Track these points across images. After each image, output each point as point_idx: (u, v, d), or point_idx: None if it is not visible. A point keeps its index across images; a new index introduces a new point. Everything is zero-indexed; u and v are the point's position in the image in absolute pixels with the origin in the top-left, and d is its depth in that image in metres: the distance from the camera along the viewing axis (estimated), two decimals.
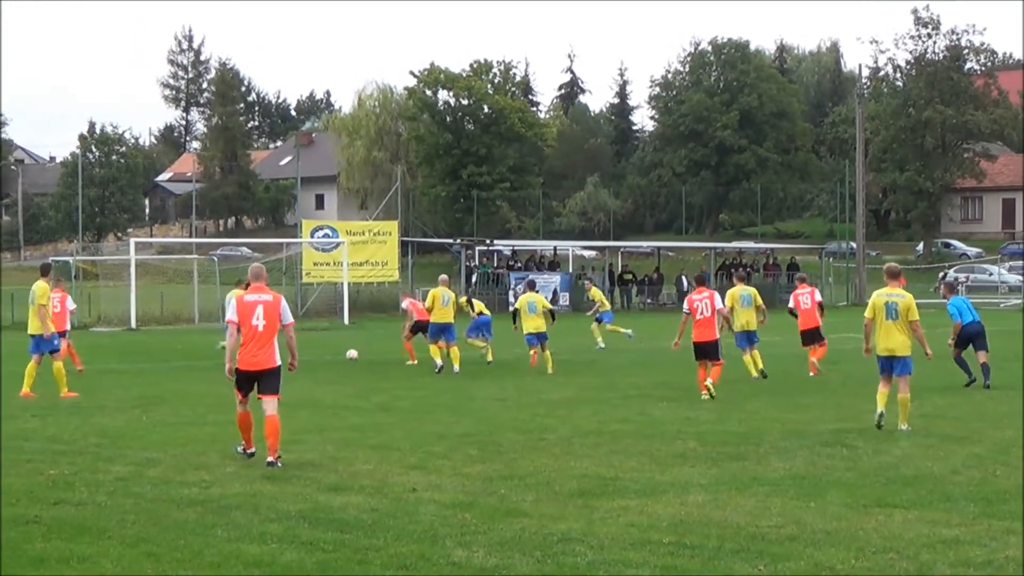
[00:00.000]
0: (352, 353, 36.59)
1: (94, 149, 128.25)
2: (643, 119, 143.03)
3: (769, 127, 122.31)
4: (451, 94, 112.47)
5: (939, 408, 23.19)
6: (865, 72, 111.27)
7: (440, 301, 32.78)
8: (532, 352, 33.35)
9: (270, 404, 17.06)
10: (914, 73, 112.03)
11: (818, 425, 20.79)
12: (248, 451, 17.52)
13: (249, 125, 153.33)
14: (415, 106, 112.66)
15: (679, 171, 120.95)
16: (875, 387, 20.27)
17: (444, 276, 35.62)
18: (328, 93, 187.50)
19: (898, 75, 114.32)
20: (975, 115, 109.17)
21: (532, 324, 33.10)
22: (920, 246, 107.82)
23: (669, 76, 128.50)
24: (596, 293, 45.21)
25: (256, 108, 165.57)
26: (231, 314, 17.46)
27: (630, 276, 77.92)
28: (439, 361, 32.00)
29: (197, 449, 18.39)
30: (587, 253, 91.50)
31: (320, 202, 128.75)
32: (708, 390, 25.10)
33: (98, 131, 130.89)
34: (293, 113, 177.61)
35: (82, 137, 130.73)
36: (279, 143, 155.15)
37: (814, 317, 30.47)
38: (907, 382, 20.39)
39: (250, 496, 14.71)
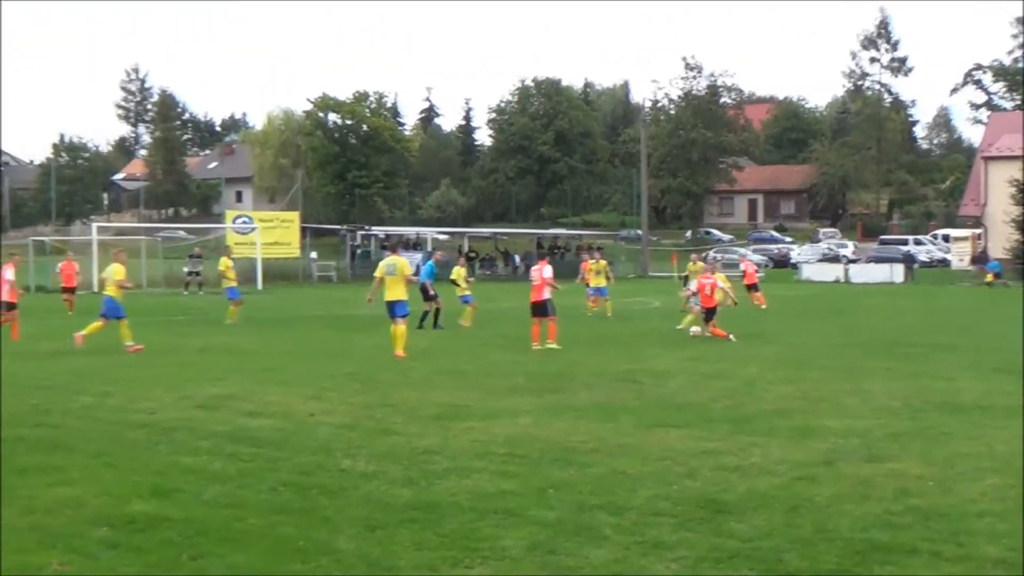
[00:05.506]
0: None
1: (64, 154, 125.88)
2: (483, 137, 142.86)
3: (577, 143, 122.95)
4: (339, 116, 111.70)
5: (702, 352, 23.48)
6: (648, 103, 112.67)
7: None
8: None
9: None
10: (683, 105, 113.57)
11: (614, 366, 20.95)
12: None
13: (184, 137, 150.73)
14: (311, 125, 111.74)
15: (510, 176, 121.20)
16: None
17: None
18: (244, 113, 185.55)
19: (672, 106, 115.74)
20: (728, 136, 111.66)
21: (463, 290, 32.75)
22: (688, 233, 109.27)
23: (503, 104, 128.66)
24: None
25: (189, 124, 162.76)
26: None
27: (474, 254, 78.08)
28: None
29: (143, 384, 18.06)
30: (442, 236, 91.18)
31: (239, 197, 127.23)
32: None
33: (67, 140, 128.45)
34: (218, 128, 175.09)
35: (55, 145, 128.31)
36: (207, 152, 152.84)
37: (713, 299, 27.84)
38: None
39: (186, 420, 14.48)
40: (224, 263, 35.30)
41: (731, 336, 26.66)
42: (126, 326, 24.60)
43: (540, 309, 25.40)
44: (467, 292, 32.63)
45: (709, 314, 27.47)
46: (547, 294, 25.39)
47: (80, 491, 10.32)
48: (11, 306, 28.41)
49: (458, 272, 33.18)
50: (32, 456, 12.05)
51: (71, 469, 11.36)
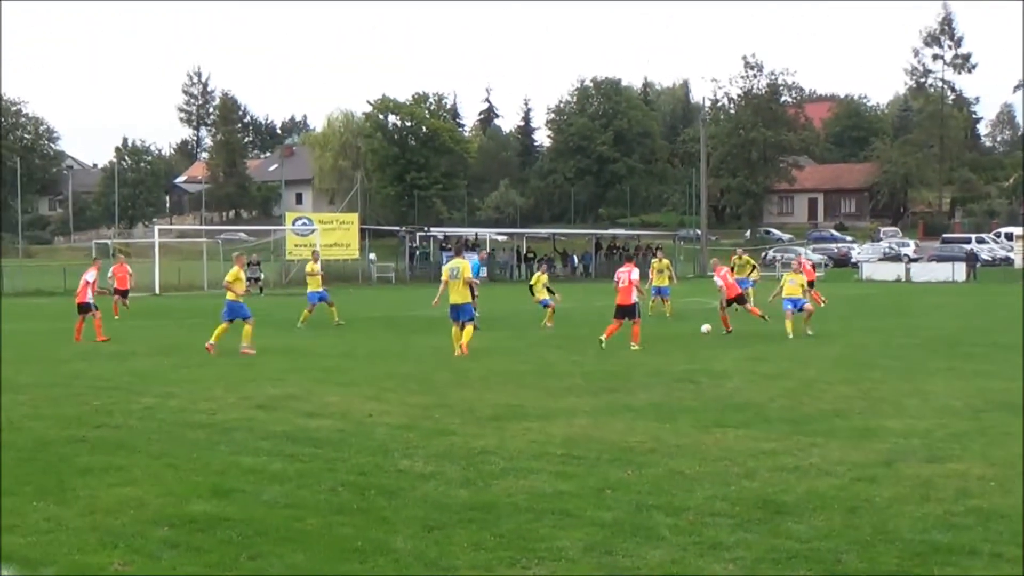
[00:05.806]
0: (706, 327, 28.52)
1: (127, 158, 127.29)
2: (542, 137, 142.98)
3: (636, 143, 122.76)
4: (397, 117, 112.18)
5: (761, 353, 23.34)
6: (707, 103, 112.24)
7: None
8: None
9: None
10: (743, 104, 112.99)
11: (673, 367, 20.89)
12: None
13: (245, 140, 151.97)
14: (371, 126, 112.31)
15: (569, 176, 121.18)
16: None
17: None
18: (305, 116, 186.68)
19: (731, 105, 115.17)
20: (788, 136, 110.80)
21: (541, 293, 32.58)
22: (748, 232, 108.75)
23: (562, 104, 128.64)
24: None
25: (250, 127, 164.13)
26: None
27: (532, 255, 78.16)
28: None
29: (204, 384, 18.23)
30: (500, 237, 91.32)
31: (299, 199, 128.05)
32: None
33: (130, 144, 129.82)
34: (278, 131, 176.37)
35: (118, 149, 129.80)
36: (268, 154, 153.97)
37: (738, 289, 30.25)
38: None
39: (246, 420, 14.59)
40: (312, 267, 34.29)
41: (725, 330, 28.19)
42: (224, 329, 24.50)
43: (628, 311, 25.48)
44: (544, 296, 32.50)
45: (730, 302, 29.05)
46: (635, 297, 25.54)
47: (142, 491, 10.43)
48: (94, 307, 28.56)
49: (538, 279, 33.23)
50: (94, 456, 12.19)
51: (133, 469, 11.48)
